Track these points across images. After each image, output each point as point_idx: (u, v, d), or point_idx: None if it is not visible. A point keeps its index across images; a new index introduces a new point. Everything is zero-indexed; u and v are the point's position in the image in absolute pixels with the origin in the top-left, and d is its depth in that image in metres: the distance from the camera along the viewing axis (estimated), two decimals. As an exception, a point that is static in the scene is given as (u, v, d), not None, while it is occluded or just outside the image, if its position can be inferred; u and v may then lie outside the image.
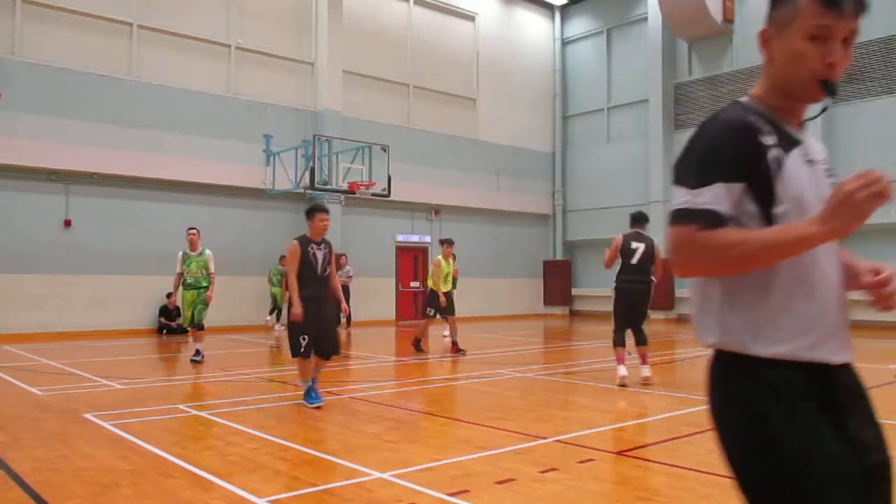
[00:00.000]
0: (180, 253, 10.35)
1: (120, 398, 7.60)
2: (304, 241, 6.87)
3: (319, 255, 6.87)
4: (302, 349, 6.74)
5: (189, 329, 10.72)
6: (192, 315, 10.31)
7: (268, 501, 3.98)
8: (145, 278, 15.82)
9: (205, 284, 10.26)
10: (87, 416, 6.50)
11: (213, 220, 17.15)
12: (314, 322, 6.70)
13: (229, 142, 17.19)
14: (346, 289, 17.74)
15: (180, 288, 10.40)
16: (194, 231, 10.41)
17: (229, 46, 17.63)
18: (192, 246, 10.33)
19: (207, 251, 10.36)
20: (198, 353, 10.39)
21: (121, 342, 14.09)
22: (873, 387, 7.94)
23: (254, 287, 17.18)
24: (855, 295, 1.80)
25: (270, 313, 16.99)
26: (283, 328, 16.63)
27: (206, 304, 10.30)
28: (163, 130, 16.19)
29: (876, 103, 18.07)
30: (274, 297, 16.98)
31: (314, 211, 7.01)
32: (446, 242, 12.46)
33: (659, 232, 20.80)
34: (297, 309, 6.61)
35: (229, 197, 17.51)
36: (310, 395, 6.88)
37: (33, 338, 14.28)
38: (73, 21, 15.38)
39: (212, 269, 10.34)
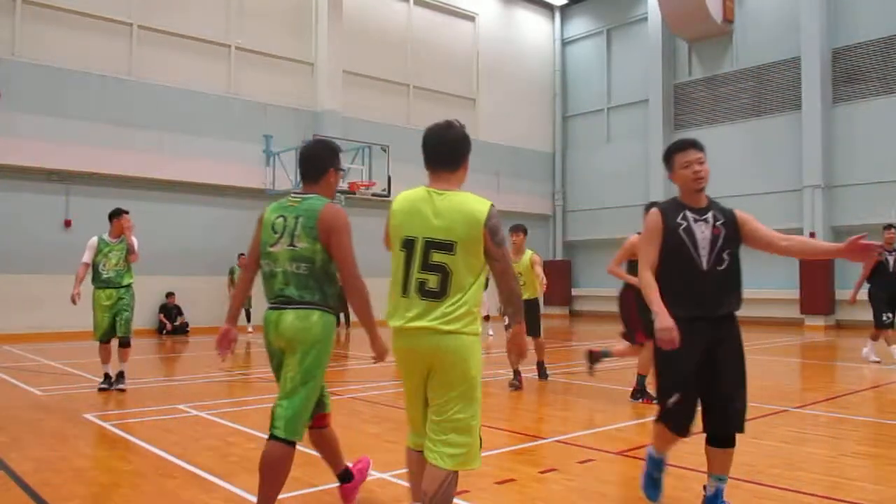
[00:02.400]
0: (95, 239, 8.05)
1: (120, 398, 7.60)
2: None
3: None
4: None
5: (100, 345, 7.95)
6: (114, 325, 7.86)
7: (268, 501, 3.97)
8: (145, 278, 15.70)
9: (127, 282, 7.98)
10: (87, 416, 6.50)
11: (213, 220, 17.17)
12: None
13: (229, 142, 17.19)
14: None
15: (82, 286, 7.99)
16: (128, 217, 8.15)
17: (229, 46, 17.63)
18: (117, 232, 8.06)
19: (132, 237, 8.10)
20: (120, 376, 7.90)
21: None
22: (873, 387, 7.87)
23: (254, 287, 17.15)
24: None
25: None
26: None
27: (131, 309, 7.98)
28: (163, 130, 16.19)
29: (875, 103, 18.06)
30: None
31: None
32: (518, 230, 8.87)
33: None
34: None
35: (229, 197, 17.50)
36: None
37: (33, 338, 14.27)
38: (73, 21, 15.37)
39: (135, 250, 8.04)
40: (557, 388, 8.61)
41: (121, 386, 7.84)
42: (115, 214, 8.15)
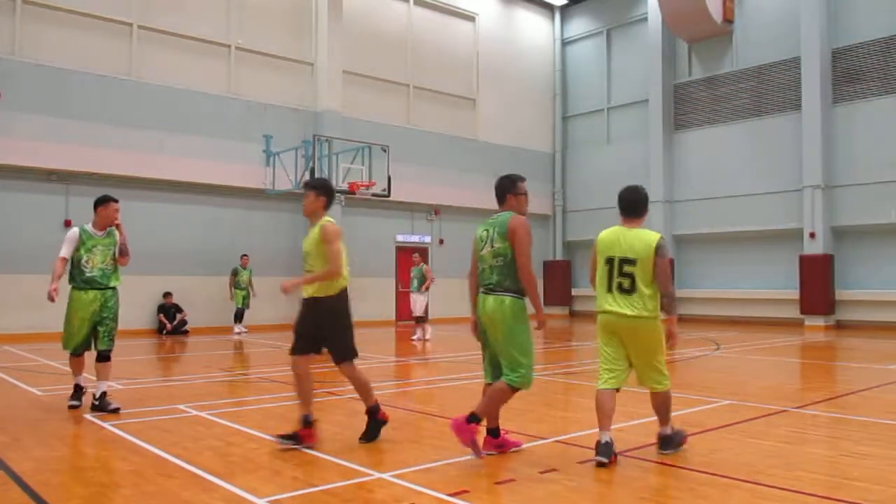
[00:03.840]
0: (76, 230, 6.77)
1: (120, 398, 7.60)
2: None
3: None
4: None
5: (72, 357, 6.99)
6: (94, 336, 6.81)
7: (268, 501, 3.98)
8: (145, 278, 15.80)
9: (114, 284, 6.85)
10: (87, 416, 6.50)
11: (213, 220, 17.18)
12: None
13: (229, 142, 17.19)
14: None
15: (58, 285, 6.67)
16: (117, 206, 6.87)
17: (229, 46, 17.63)
18: (103, 223, 6.78)
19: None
20: (104, 397, 6.74)
21: (120, 342, 14.05)
22: (873, 387, 7.88)
23: (254, 286, 17.14)
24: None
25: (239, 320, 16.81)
26: (244, 330, 16.65)
27: (117, 318, 6.87)
28: (163, 130, 16.19)
29: (875, 103, 18.06)
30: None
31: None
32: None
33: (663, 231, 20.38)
34: None
35: (229, 197, 17.51)
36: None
37: (33, 338, 14.27)
38: (73, 21, 15.38)
39: (128, 251, 6.89)
40: (557, 388, 8.61)
41: (113, 406, 6.64)
42: (101, 202, 6.79)
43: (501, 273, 4.90)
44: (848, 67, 18.65)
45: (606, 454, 4.65)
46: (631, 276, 4.85)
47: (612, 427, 4.90)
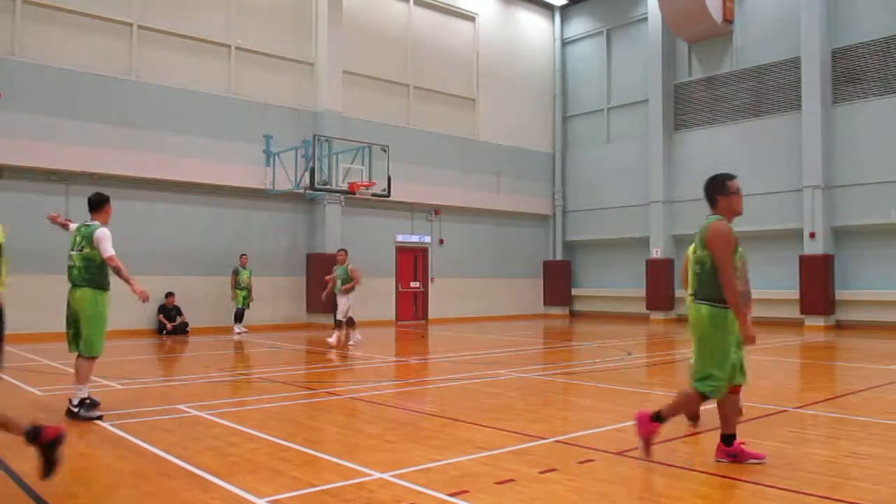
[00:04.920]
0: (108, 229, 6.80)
1: (120, 398, 7.61)
2: None
3: None
4: None
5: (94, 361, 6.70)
6: (78, 336, 6.63)
7: (268, 502, 3.98)
8: (145, 278, 15.62)
9: (100, 282, 6.71)
10: (87, 416, 6.49)
11: (213, 220, 17.18)
12: None
13: (229, 142, 17.19)
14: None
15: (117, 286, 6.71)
16: (108, 201, 7.02)
17: (229, 46, 17.63)
18: (106, 220, 6.82)
19: (100, 227, 6.74)
20: (89, 403, 6.50)
21: (120, 342, 14.08)
22: (873, 387, 7.89)
23: (253, 286, 17.13)
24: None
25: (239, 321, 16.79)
26: (244, 330, 16.63)
27: (99, 318, 6.67)
28: (163, 130, 16.19)
29: (875, 103, 18.06)
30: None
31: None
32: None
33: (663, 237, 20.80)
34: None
35: (229, 197, 17.50)
36: None
37: (33, 338, 14.27)
38: (73, 21, 15.37)
39: (107, 252, 6.57)
40: (557, 388, 8.61)
41: (91, 415, 6.40)
42: (108, 200, 7.01)
43: (700, 280, 4.87)
44: (848, 67, 18.65)
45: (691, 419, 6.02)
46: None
47: (616, 426, 4.89)
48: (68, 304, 6.79)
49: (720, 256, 4.65)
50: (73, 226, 7.14)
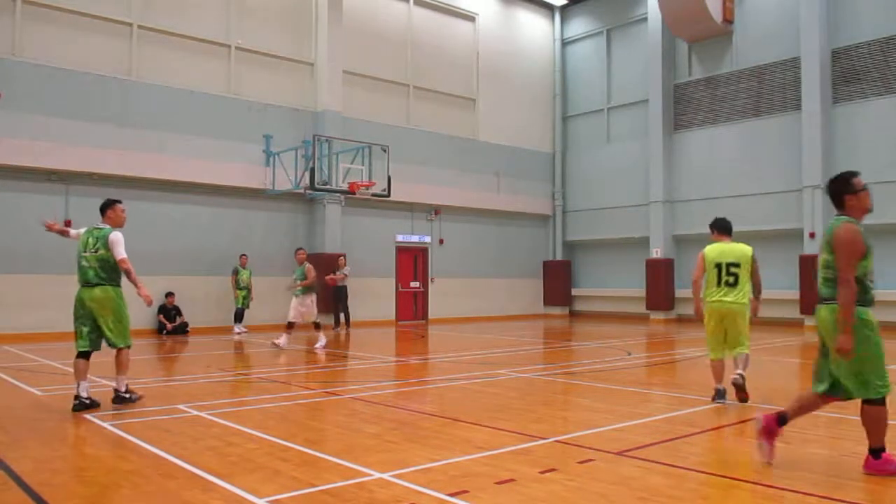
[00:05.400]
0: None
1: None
2: None
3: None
4: None
5: (81, 355, 6.94)
6: (95, 332, 6.97)
7: (268, 501, 3.98)
8: (145, 278, 15.57)
9: (117, 280, 7.04)
10: (87, 416, 6.51)
11: (213, 220, 17.18)
12: None
13: (229, 142, 17.19)
14: (343, 289, 17.78)
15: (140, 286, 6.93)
16: (123, 207, 7.37)
17: (229, 46, 17.63)
18: (115, 224, 7.18)
19: (113, 231, 7.04)
20: (129, 393, 7.10)
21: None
22: (873, 387, 7.61)
23: (253, 286, 17.13)
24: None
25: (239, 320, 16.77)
26: (244, 330, 16.63)
27: (124, 311, 7.04)
28: (163, 130, 16.19)
29: (875, 103, 18.05)
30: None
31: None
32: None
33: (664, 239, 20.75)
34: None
35: (229, 197, 17.50)
36: None
37: (33, 338, 14.28)
38: (73, 21, 15.37)
39: (120, 255, 6.90)
40: (557, 388, 8.61)
41: (130, 396, 7.19)
42: (116, 202, 7.35)
43: (827, 284, 4.77)
44: (848, 67, 18.65)
45: (722, 396, 6.97)
46: (735, 275, 6.89)
47: (616, 426, 4.88)
48: (82, 303, 6.98)
49: (843, 260, 4.65)
50: (73, 231, 7.44)
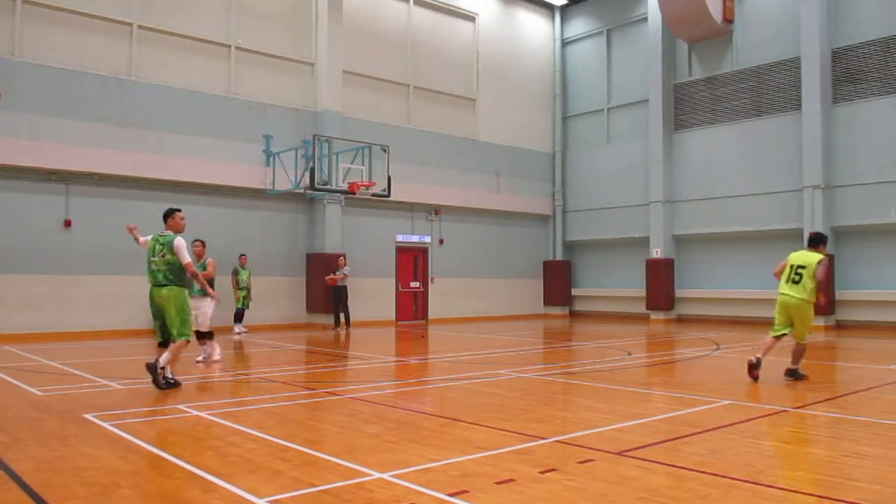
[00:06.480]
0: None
1: (120, 398, 7.61)
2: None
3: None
4: None
5: (160, 345, 8.35)
6: (166, 325, 8.23)
7: (268, 502, 3.98)
8: (145, 278, 15.76)
9: (181, 281, 8.09)
10: (87, 416, 6.50)
11: (213, 220, 17.16)
12: None
13: (229, 142, 17.19)
14: (343, 288, 17.78)
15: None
16: (182, 215, 8.50)
17: (229, 46, 17.63)
18: (175, 226, 8.32)
19: (176, 237, 8.12)
20: (165, 375, 8.16)
21: (121, 342, 14.09)
22: (873, 387, 7.93)
23: (253, 286, 17.13)
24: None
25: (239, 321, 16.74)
26: (244, 330, 16.61)
27: (186, 309, 8.21)
28: (163, 130, 16.19)
29: (875, 103, 18.05)
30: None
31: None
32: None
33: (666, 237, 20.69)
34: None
35: (229, 197, 17.51)
36: None
37: (33, 338, 14.28)
38: (73, 21, 15.37)
39: (185, 259, 7.96)
40: (557, 388, 8.61)
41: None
42: (176, 210, 8.46)
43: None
44: (848, 67, 18.65)
45: (751, 366, 8.55)
46: (800, 275, 8.49)
47: (616, 426, 4.88)
48: (152, 300, 8.12)
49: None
50: (142, 238, 8.52)
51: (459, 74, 22.42)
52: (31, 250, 14.65)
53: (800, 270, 8.50)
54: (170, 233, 8.14)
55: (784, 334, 8.66)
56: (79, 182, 15.32)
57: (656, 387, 8.75)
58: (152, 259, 8.05)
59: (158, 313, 8.12)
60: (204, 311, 10.70)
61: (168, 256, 7.94)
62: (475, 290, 22.61)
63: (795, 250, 8.95)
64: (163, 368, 7.96)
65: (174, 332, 8.02)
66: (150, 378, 7.95)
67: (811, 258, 8.56)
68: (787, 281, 8.60)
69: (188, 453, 5.09)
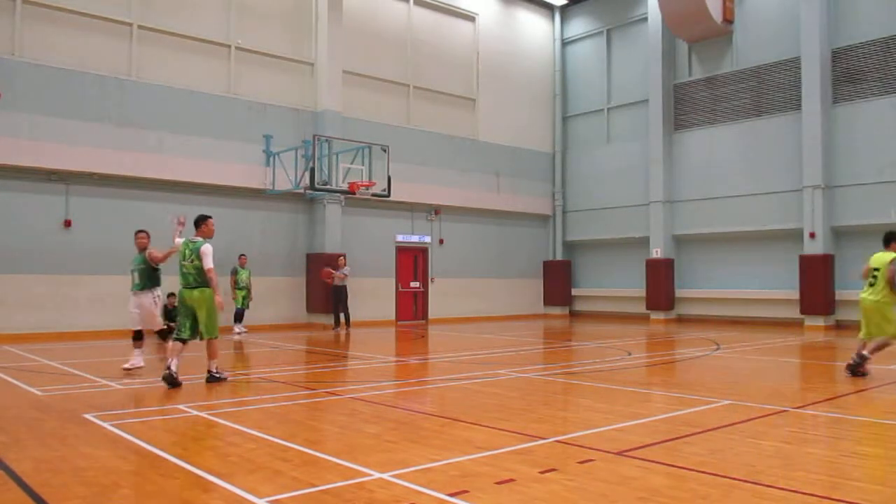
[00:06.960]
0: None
1: (120, 398, 7.61)
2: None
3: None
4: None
5: (178, 340, 8.50)
6: (196, 325, 8.53)
7: (268, 502, 3.98)
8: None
9: (209, 286, 8.50)
10: (87, 416, 6.50)
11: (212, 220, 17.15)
12: None
13: (229, 142, 17.19)
14: (343, 288, 17.78)
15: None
16: (213, 221, 9.08)
17: (229, 46, 17.63)
18: (206, 233, 8.87)
19: (204, 243, 8.63)
20: (219, 373, 8.78)
21: (121, 342, 14.08)
22: (873, 387, 7.92)
23: (253, 286, 17.12)
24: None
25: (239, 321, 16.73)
26: (244, 330, 16.60)
27: (215, 309, 8.57)
28: (163, 130, 16.19)
29: (875, 103, 18.05)
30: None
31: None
32: None
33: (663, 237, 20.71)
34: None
35: (229, 197, 17.50)
36: None
37: (33, 338, 14.28)
38: (73, 21, 15.37)
39: (207, 265, 8.43)
40: (557, 388, 8.61)
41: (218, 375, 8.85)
42: (208, 217, 9.03)
43: None
44: (848, 67, 18.65)
45: (859, 365, 8.84)
46: (876, 277, 8.61)
47: (616, 426, 4.87)
48: (182, 301, 8.48)
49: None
50: (178, 240, 8.98)
51: (459, 74, 22.41)
52: (31, 250, 14.65)
53: (875, 272, 8.63)
54: (199, 238, 8.65)
55: (870, 336, 8.80)
56: (79, 182, 15.32)
57: (656, 387, 8.74)
58: (183, 263, 8.54)
59: (189, 314, 8.49)
60: (149, 310, 9.90)
61: (197, 262, 8.45)
62: (475, 290, 22.60)
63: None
64: (211, 371, 8.65)
65: (204, 331, 8.47)
66: (162, 382, 8.30)
67: (884, 258, 8.64)
68: (867, 283, 8.76)
69: (188, 453, 5.09)
